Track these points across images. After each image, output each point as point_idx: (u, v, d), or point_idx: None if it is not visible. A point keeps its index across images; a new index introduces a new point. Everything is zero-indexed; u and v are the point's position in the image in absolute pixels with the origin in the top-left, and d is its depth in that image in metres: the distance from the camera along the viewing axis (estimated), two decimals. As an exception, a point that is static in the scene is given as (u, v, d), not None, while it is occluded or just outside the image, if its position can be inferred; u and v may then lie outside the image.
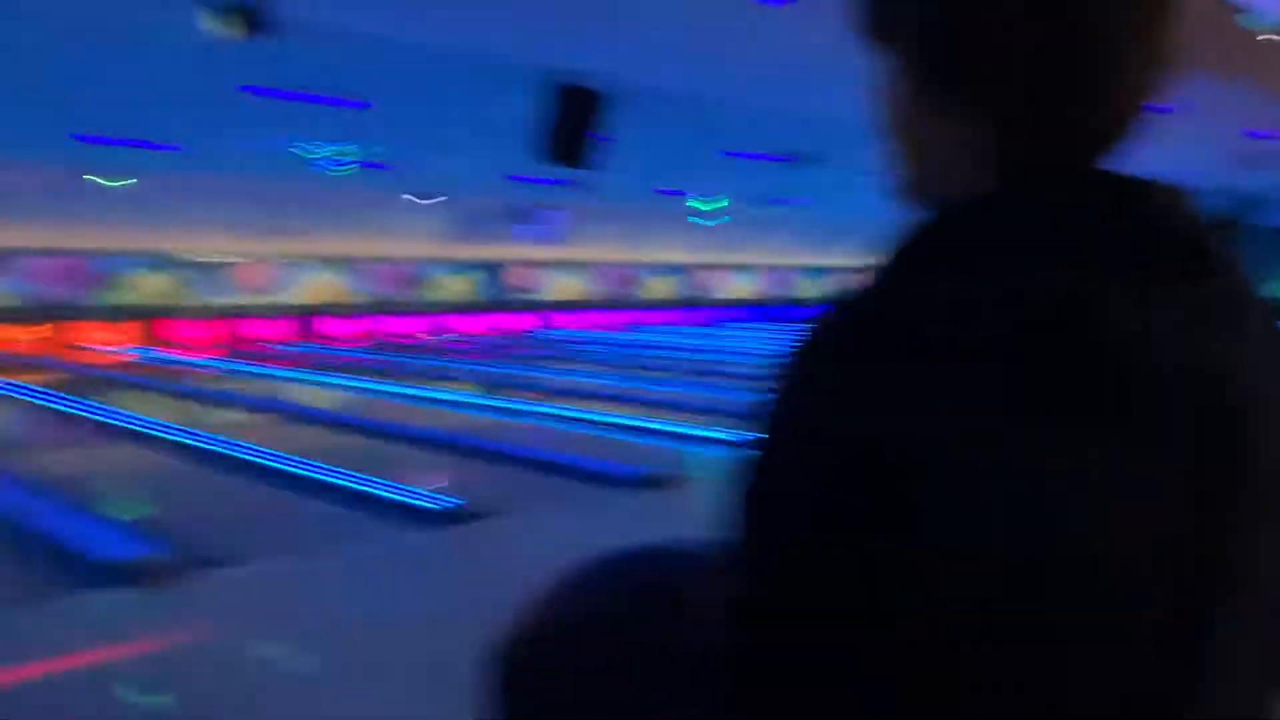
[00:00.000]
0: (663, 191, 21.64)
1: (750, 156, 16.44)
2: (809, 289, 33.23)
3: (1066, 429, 0.59)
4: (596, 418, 10.62)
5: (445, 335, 25.38)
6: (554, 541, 5.60)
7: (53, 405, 12.45)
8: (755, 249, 30.81)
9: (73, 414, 11.72)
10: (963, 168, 0.71)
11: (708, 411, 11.21)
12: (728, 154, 16.17)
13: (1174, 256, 0.65)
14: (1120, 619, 0.60)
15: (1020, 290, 0.61)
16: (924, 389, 0.60)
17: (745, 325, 29.26)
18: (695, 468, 8.17)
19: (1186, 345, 0.62)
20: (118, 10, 8.04)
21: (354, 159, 16.13)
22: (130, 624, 4.24)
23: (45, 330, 21.14)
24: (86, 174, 17.35)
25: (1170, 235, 0.66)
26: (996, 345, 0.60)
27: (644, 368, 17.05)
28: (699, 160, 17.08)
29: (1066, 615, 0.59)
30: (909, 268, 0.67)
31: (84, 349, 21.06)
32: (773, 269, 32.64)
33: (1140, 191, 0.67)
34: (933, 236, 0.67)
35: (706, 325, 29.74)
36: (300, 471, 7.62)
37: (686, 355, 19.27)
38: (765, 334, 24.85)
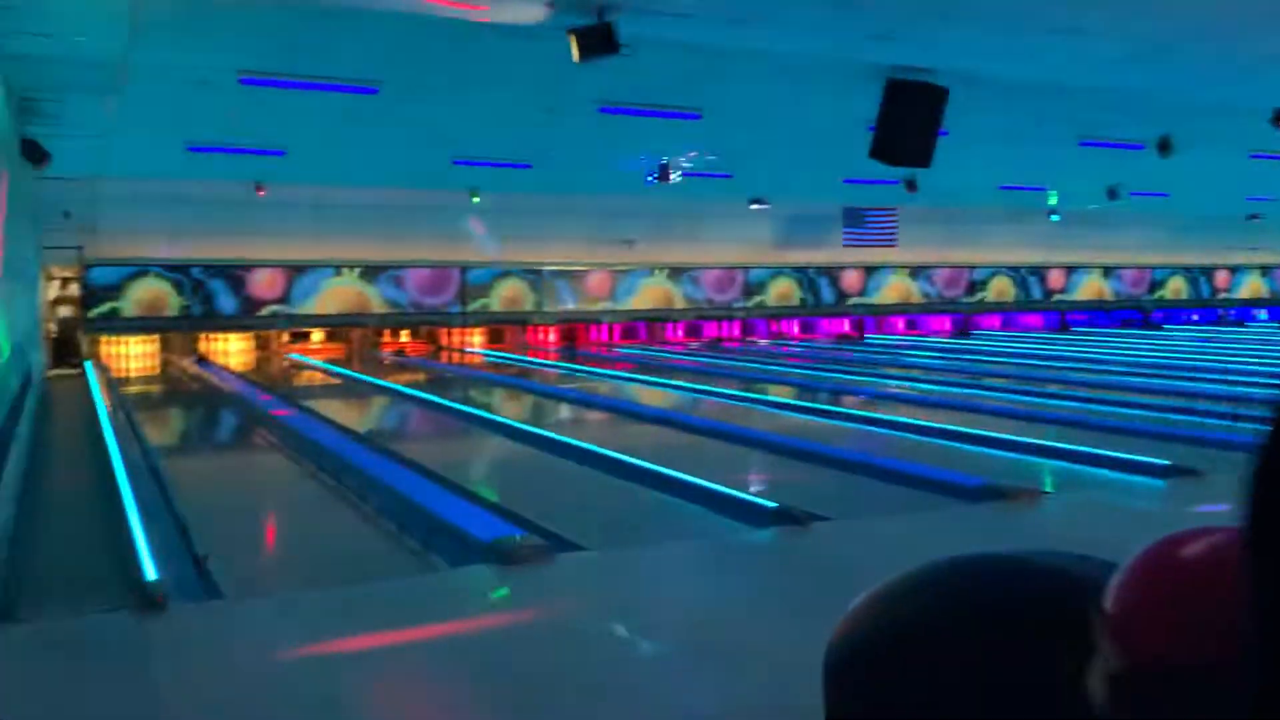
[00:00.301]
0: (1008, 187, 20.57)
1: (1108, 145, 15.23)
2: (1164, 290, 30.34)
3: None
4: (927, 424, 10.31)
5: (771, 339, 25.64)
6: (881, 547, 5.53)
7: (426, 400, 13.91)
8: (1104, 247, 28.51)
9: (442, 408, 13.04)
10: None
11: (1053, 423, 10.57)
12: (1083, 144, 15.08)
13: None
14: None
15: None
16: None
17: (1092, 330, 27.22)
18: (1041, 481, 7.75)
19: None
20: (495, 49, 8.86)
21: (690, 170, 16.70)
22: (499, 599, 4.67)
23: (420, 334, 23.71)
24: (470, 194, 19.23)
25: None
26: None
27: (978, 374, 16.33)
28: (1050, 152, 16.06)
29: None
30: None
31: (449, 350, 23.35)
32: (1124, 269, 30.08)
33: None
34: None
35: (1048, 329, 27.96)
36: (636, 465, 8.02)
37: (1024, 361, 18.24)
38: (1114, 339, 22.99)
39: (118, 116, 11.95)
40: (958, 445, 9.38)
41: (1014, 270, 28.73)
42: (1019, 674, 1.01)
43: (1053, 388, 13.94)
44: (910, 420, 10.63)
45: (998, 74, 9.97)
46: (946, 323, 28.12)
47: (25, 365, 10.29)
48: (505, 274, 23.44)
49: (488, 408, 13.18)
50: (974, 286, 28.48)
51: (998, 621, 1.12)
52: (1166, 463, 7.55)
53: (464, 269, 22.97)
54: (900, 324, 27.87)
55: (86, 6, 7.59)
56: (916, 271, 27.63)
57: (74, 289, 19.99)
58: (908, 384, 14.95)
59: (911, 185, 17.53)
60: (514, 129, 13.39)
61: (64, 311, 20.04)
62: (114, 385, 15.32)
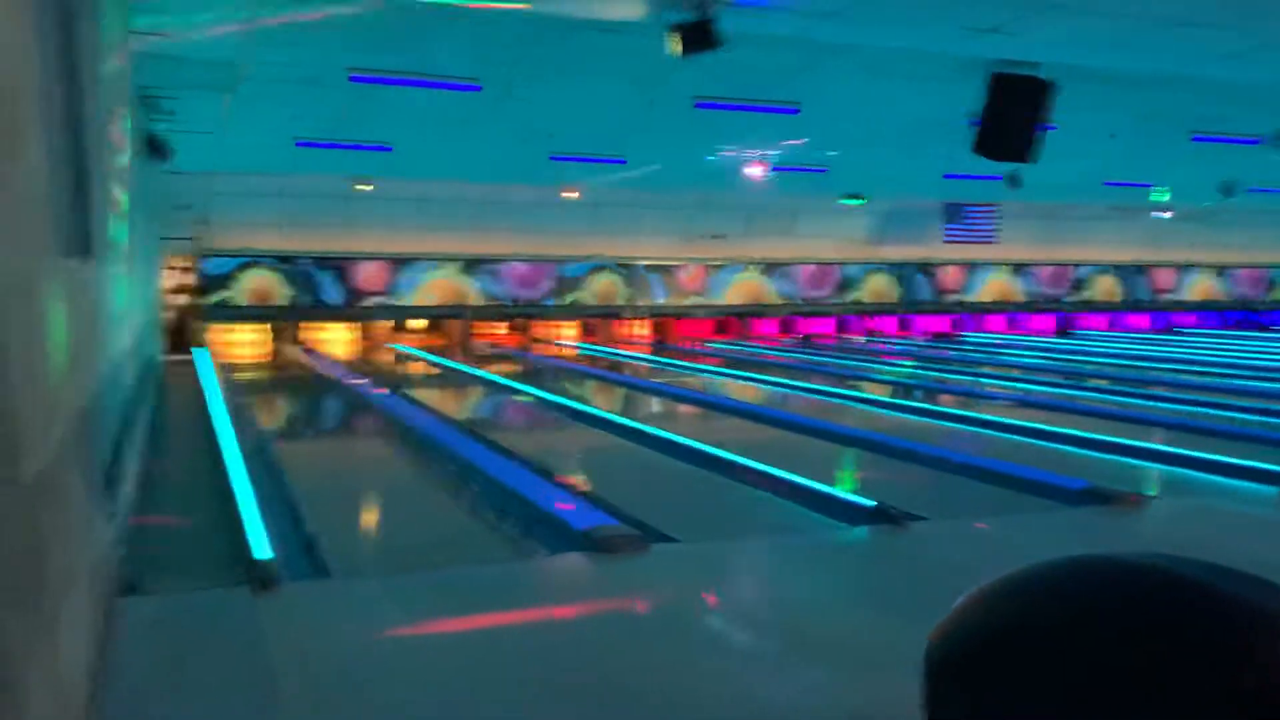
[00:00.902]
0: (1114, 184, 19.95)
1: (1222, 140, 14.68)
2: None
3: None
4: (1026, 425, 10.10)
5: (866, 336, 25.34)
6: (980, 548, 5.48)
7: (521, 390, 14.15)
8: (1216, 245, 27.44)
9: (537, 398, 13.27)
10: None
11: (1158, 426, 10.27)
12: (1196, 138, 14.55)
13: None
14: None
15: None
16: None
17: (1200, 331, 26.24)
18: (1145, 486, 7.55)
19: None
20: (594, 44, 8.98)
21: (788, 164, 16.62)
22: (596, 586, 4.77)
23: (515, 326, 24.11)
24: (561, 191, 19.52)
25: None
26: None
27: (1080, 374, 15.92)
28: (1159, 147, 15.54)
29: None
30: None
31: (544, 343, 23.68)
32: (1238, 268, 28.90)
33: None
34: None
35: (1154, 330, 27.04)
36: (727, 459, 8.05)
37: (1128, 362, 17.70)
38: (1224, 342, 22.12)
39: (232, 113, 12.44)
40: (1058, 447, 9.19)
41: (1119, 269, 27.85)
42: (1127, 678, 1.02)
43: (1158, 390, 13.51)
44: (1009, 420, 10.44)
45: (1106, 67, 9.71)
46: (1048, 322, 27.42)
47: (146, 352, 10.80)
48: (599, 268, 23.66)
49: (580, 399, 13.34)
50: (1077, 285, 27.69)
51: (1107, 624, 1.13)
52: (1278, 469, 7.29)
53: (559, 263, 23.27)
54: (1000, 322, 27.26)
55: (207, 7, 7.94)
56: (1017, 269, 27.00)
57: (189, 278, 20.84)
58: (1007, 383, 14.66)
59: (1014, 181, 17.13)
60: (612, 124, 13.51)
61: (179, 300, 20.91)
62: (225, 371, 15.95)
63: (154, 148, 11.99)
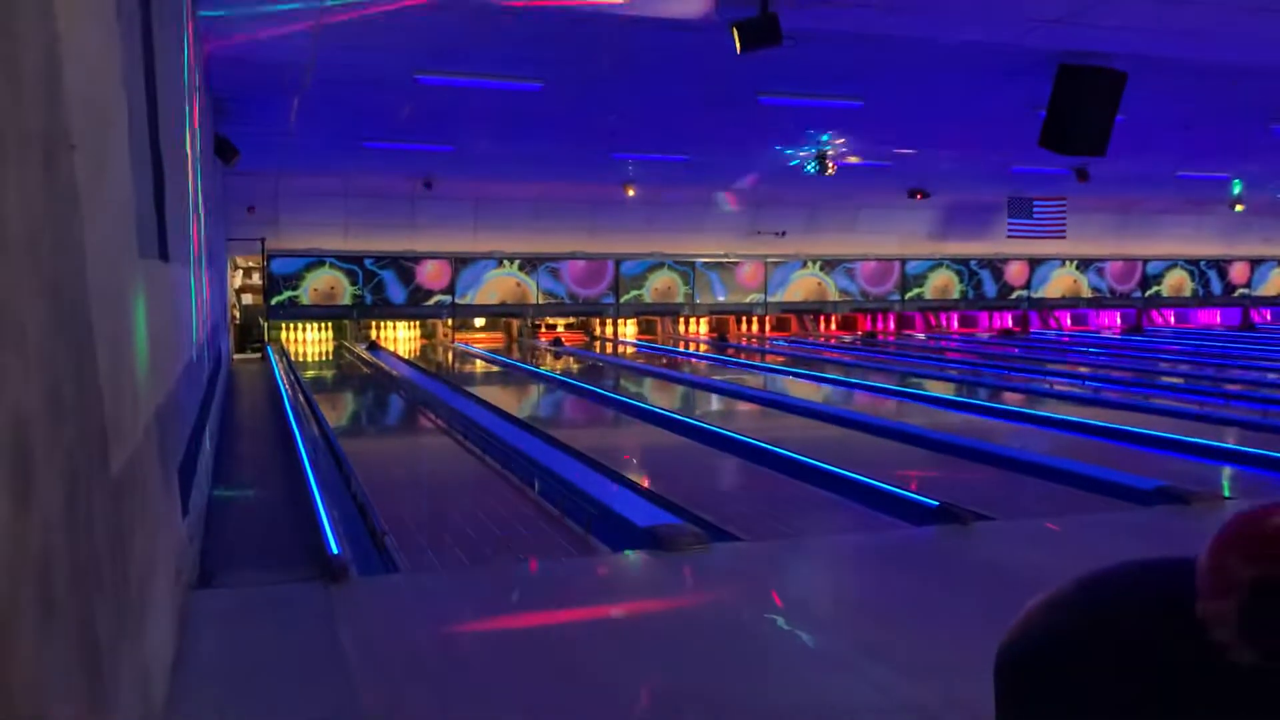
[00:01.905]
0: (1188, 176, 19.43)
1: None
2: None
3: None
4: (1095, 424, 9.91)
5: (929, 333, 25.04)
6: (1049, 549, 5.39)
7: (582, 388, 14.23)
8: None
9: (597, 395, 13.33)
10: None
11: (1232, 425, 10.01)
12: (1276, 128, 14.10)
13: None
14: None
15: None
16: None
17: (1278, 326, 25.49)
18: (1219, 486, 7.37)
19: None
20: (656, 42, 8.98)
21: (842, 160, 16.48)
22: (660, 583, 4.79)
23: (575, 324, 24.25)
24: (624, 186, 19.57)
25: None
26: None
27: (1151, 372, 15.56)
28: (1236, 138, 15.09)
29: None
30: None
31: (603, 340, 23.76)
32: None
33: None
34: None
35: (1228, 326, 26.33)
36: (788, 457, 8.01)
37: (1201, 359, 17.26)
38: (1305, 338, 21.46)
39: (300, 115, 12.66)
40: (1128, 446, 9.00)
41: (1192, 263, 27.14)
42: (1200, 681, 1.00)
43: (1232, 388, 13.16)
44: (1077, 419, 10.25)
45: (1179, 56, 9.45)
46: (1117, 318, 26.84)
47: (216, 350, 11.06)
48: (658, 265, 23.68)
49: (640, 397, 13.38)
50: (1148, 280, 27.06)
51: (1179, 628, 1.11)
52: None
53: (618, 261, 23.33)
54: (1067, 319, 26.76)
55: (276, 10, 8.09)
56: (1086, 264, 26.46)
57: (256, 278, 21.29)
58: (1075, 381, 14.39)
59: (1083, 174, 16.81)
60: (672, 121, 13.50)
61: (247, 299, 21.37)
62: (293, 369, 16.26)
63: (222, 149, 12.27)
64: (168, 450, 3.80)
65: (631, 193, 19.77)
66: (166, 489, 3.66)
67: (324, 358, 20.78)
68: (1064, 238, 22.90)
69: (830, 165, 16.19)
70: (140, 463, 2.82)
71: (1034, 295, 26.36)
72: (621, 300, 23.59)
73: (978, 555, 5.33)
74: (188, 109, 6.50)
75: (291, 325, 21.70)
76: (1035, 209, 22.28)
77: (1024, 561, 5.00)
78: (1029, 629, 1.25)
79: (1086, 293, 26.70)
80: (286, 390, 12.75)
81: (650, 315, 24.28)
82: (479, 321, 23.43)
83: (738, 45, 7.08)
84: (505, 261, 22.54)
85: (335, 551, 5.04)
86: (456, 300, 22.24)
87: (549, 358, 19.88)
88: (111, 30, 2.79)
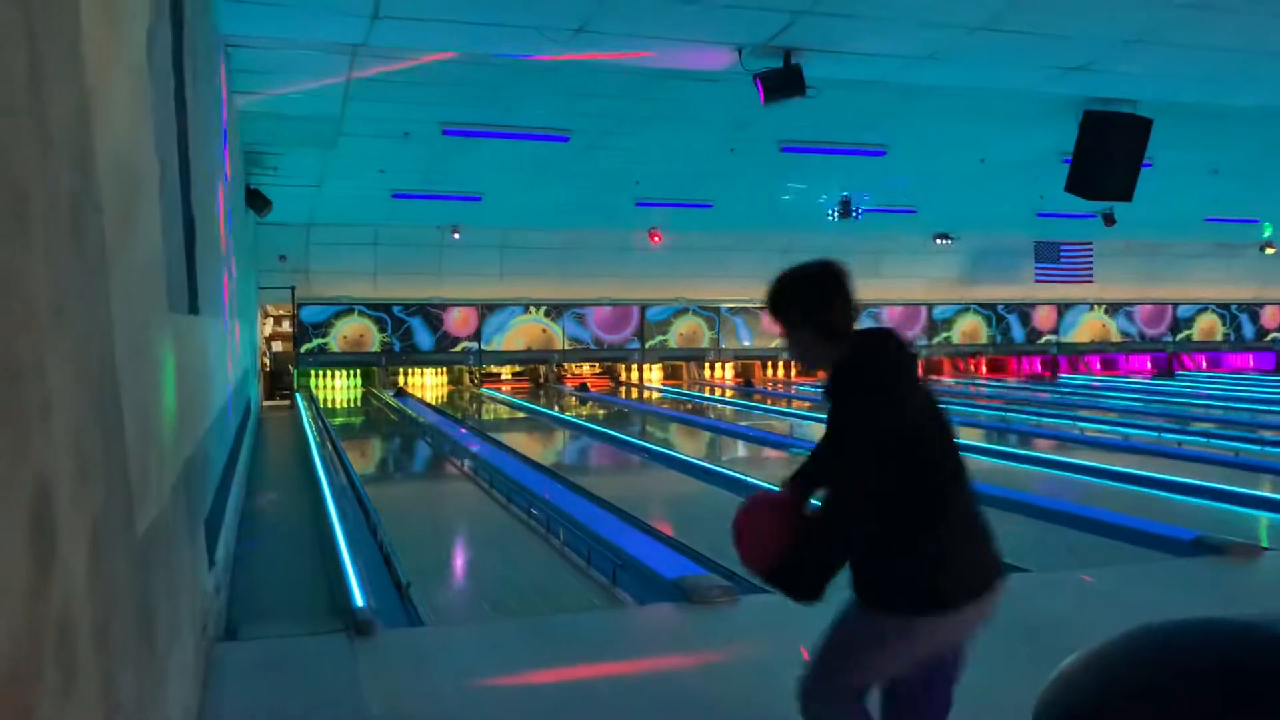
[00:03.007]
0: (1216, 219, 19.33)
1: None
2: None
3: (912, 394, 2.60)
4: (1127, 471, 9.76)
5: (957, 378, 24.87)
6: (1084, 602, 5.27)
7: (608, 434, 14.20)
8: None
9: (623, 443, 13.30)
10: (827, 351, 2.60)
11: (1268, 472, 9.84)
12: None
13: (902, 346, 2.63)
14: (937, 455, 2.56)
15: (886, 353, 2.60)
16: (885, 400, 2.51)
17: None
18: (1257, 536, 7.22)
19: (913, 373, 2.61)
20: (681, 93, 9.10)
21: (866, 206, 16.52)
22: (688, 638, 4.72)
23: (599, 369, 24.29)
24: (649, 232, 19.70)
25: (898, 339, 2.65)
26: (890, 373, 2.59)
27: (1183, 417, 15.34)
28: (1265, 181, 15.02)
29: (930, 454, 2.52)
30: (862, 349, 2.61)
31: (629, 385, 23.77)
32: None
33: (883, 334, 2.66)
34: (853, 360, 2.57)
35: (1260, 370, 25.99)
36: (817, 506, 7.92)
37: (1234, 405, 17.01)
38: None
39: (330, 166, 12.86)
40: (1161, 494, 8.85)
41: (1223, 307, 26.88)
42: None
43: (1268, 433, 12.95)
44: (1109, 466, 10.09)
45: (1205, 101, 9.45)
46: (1147, 362, 26.57)
47: (245, 398, 11.14)
48: (683, 311, 23.73)
49: (665, 443, 13.33)
50: (1178, 324, 26.81)
51: (1223, 694, 1.07)
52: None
53: (643, 307, 23.40)
54: (1097, 363, 26.52)
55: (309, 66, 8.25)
56: (1114, 308, 26.27)
57: (287, 326, 21.51)
58: (1106, 427, 14.21)
59: (1109, 218, 16.74)
60: (696, 170, 13.61)
61: (277, 347, 21.58)
62: (321, 416, 16.35)
63: (254, 200, 12.46)
64: (194, 504, 3.80)
65: (657, 239, 19.88)
66: (192, 544, 3.66)
67: (352, 404, 20.90)
68: (1091, 282, 22.78)
69: (853, 210, 16.22)
70: (166, 522, 2.82)
71: (1063, 340, 26.17)
72: (647, 346, 23.63)
73: (1007, 608, 5.21)
74: (220, 161, 6.61)
75: (320, 372, 21.87)
76: (1062, 253, 22.19)
77: (1056, 615, 4.89)
78: (1070, 690, 1.20)
79: (1116, 337, 26.48)
80: (314, 438, 12.81)
81: (675, 360, 24.29)
82: (505, 368, 23.52)
83: (762, 97, 7.14)
84: (531, 308, 22.67)
85: (360, 604, 5.02)
86: (483, 347, 22.37)
87: (574, 403, 19.89)
88: (143, 85, 2.84)
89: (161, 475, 2.77)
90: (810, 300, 2.62)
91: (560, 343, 23.02)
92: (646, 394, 22.45)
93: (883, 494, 2.48)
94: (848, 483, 2.55)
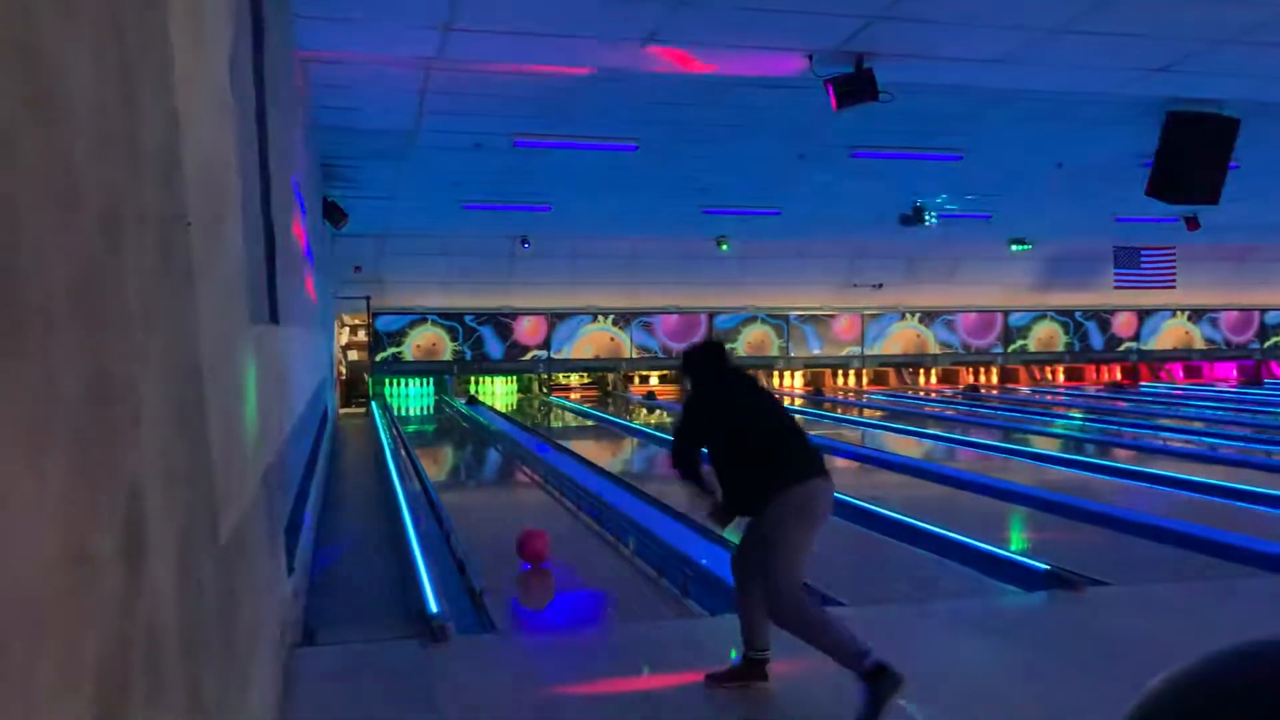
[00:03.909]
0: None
1: None
2: None
3: (742, 388, 4.35)
4: (1212, 482, 9.45)
5: (1033, 387, 24.36)
6: (1169, 618, 5.12)
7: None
8: None
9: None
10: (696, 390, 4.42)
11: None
12: None
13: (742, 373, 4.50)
14: (768, 433, 4.13)
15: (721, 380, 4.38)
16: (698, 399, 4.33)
17: None
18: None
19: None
20: (751, 101, 9.06)
21: (947, 211, 16.27)
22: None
23: (669, 378, 24.27)
24: (716, 241, 19.65)
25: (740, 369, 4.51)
26: (735, 381, 4.40)
27: (1270, 427, 14.83)
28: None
29: (757, 439, 4.10)
30: (700, 389, 4.40)
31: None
32: None
33: (730, 372, 4.44)
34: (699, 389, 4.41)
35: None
36: (887, 517, 7.82)
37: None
38: None
39: (403, 179, 13.07)
40: (1249, 506, 8.55)
41: (1314, 312, 25.96)
42: None
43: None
44: (1193, 477, 9.79)
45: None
46: (1233, 370, 25.74)
47: (323, 406, 11.37)
48: (751, 319, 23.62)
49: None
50: (1266, 330, 25.93)
51: None
52: None
53: (711, 315, 23.36)
54: (1179, 371, 25.78)
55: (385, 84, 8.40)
56: (1198, 315, 25.51)
57: (362, 335, 21.92)
58: (1189, 436, 13.79)
59: (1193, 223, 16.27)
60: (765, 177, 13.54)
61: (353, 355, 21.99)
62: (395, 423, 16.61)
63: (331, 213, 12.71)
64: (275, 511, 3.89)
65: (725, 247, 19.81)
66: (273, 550, 3.74)
67: (425, 412, 21.19)
68: (1174, 288, 22.14)
69: (927, 216, 15.99)
70: (248, 528, 2.89)
71: (1143, 347, 25.49)
72: (716, 353, 23.53)
73: (1092, 623, 5.09)
74: (298, 174, 6.76)
75: (394, 380, 22.24)
76: (1143, 258, 21.61)
77: (1142, 631, 4.76)
78: (1159, 710, 1.15)
79: (1200, 344, 25.72)
80: (389, 445, 13.01)
81: (744, 369, 24.14)
82: (574, 376, 23.66)
83: (834, 103, 7.07)
84: (600, 316, 22.77)
85: (434, 611, 5.08)
86: (552, 355, 22.53)
87: (643, 412, 19.91)
88: (226, 104, 2.92)
89: (243, 483, 2.83)
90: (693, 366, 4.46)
91: (628, 351, 23.08)
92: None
93: (719, 447, 4.14)
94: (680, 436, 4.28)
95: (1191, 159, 8.68)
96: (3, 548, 0.97)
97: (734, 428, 4.11)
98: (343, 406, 20.00)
